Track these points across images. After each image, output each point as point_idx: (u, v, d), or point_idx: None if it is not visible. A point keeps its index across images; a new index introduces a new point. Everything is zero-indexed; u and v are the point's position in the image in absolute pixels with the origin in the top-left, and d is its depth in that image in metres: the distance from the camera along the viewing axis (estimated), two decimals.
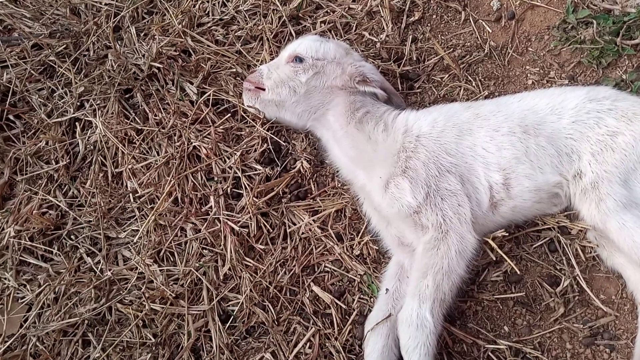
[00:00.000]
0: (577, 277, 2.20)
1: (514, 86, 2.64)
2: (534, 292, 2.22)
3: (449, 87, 2.63)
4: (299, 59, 2.34)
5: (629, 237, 2.02)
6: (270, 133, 2.44)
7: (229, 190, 2.36)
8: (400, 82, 2.65)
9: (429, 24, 2.79)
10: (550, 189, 2.17)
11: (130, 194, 2.38)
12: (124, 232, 2.35)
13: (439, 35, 2.76)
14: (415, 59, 2.70)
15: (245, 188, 2.36)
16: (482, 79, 2.64)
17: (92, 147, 2.49)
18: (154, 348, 2.14)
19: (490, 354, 2.11)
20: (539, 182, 2.15)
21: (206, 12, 2.73)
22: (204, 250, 2.29)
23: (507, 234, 2.18)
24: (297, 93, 2.33)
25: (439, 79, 2.66)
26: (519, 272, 2.15)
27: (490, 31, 2.74)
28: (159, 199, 2.34)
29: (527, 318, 2.19)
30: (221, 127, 2.46)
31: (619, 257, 2.18)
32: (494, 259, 2.16)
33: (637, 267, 2.12)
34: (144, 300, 2.18)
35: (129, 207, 2.39)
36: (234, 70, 2.57)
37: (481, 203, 2.14)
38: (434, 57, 2.70)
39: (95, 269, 2.27)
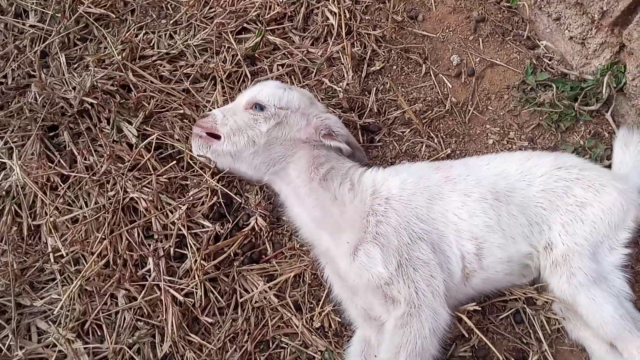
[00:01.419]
0: (546, 353, 2.10)
1: (475, 145, 2.56)
2: None
3: (411, 143, 2.51)
4: (259, 107, 2.11)
5: (597, 312, 1.97)
6: (221, 184, 2.17)
7: (171, 251, 2.04)
8: (361, 133, 2.49)
9: (389, 75, 2.67)
10: (521, 259, 2.08)
11: (51, 253, 1.99)
12: (41, 299, 1.95)
13: (400, 87, 2.65)
14: (376, 110, 2.55)
15: (191, 248, 2.06)
16: (444, 136, 2.54)
17: (4, 193, 2.07)
18: None
19: None
20: (511, 252, 2.05)
21: (150, 44, 2.43)
22: (139, 323, 1.95)
23: (479, 308, 2.04)
24: (256, 144, 2.10)
25: (400, 133, 2.53)
26: (496, 353, 2.01)
27: (451, 86, 2.67)
28: (86, 260, 1.98)
29: None
30: (164, 176, 2.15)
31: (584, 331, 2.12)
32: (465, 334, 2.02)
33: (602, 342, 2.07)
34: None
35: (48, 269, 2.00)
36: (181, 111, 2.29)
37: (453, 274, 1.99)
38: (394, 110, 2.58)
39: (2, 347, 1.85)
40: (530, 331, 2.15)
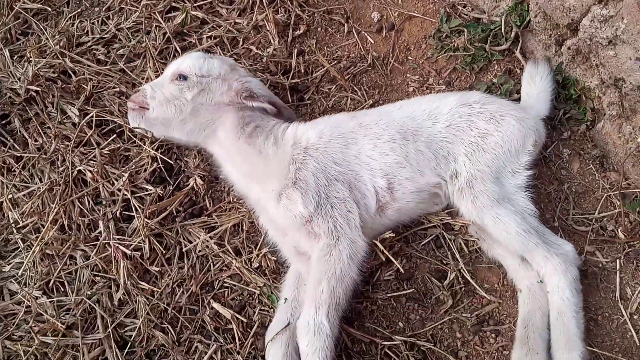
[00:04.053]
0: (462, 270, 2.34)
1: (396, 94, 2.78)
2: (424, 287, 2.34)
3: (337, 98, 2.73)
4: (182, 77, 2.33)
5: (503, 229, 2.19)
6: (160, 152, 2.42)
7: (118, 214, 2.30)
8: (290, 94, 2.72)
9: (314, 37, 2.88)
10: (430, 189, 2.31)
11: (13, 225, 2.26)
12: (8, 265, 2.23)
13: (325, 48, 2.86)
14: (303, 71, 2.77)
15: (136, 209, 2.31)
16: (367, 89, 2.76)
17: None
18: None
19: (387, 350, 2.19)
20: (420, 184, 2.28)
21: (85, 31, 2.66)
22: (97, 277, 2.22)
23: (394, 235, 2.29)
24: (184, 111, 2.33)
25: (327, 90, 2.75)
26: (402, 271, 2.26)
27: (373, 42, 2.88)
28: (44, 228, 2.24)
29: (419, 312, 2.31)
30: (107, 148, 2.39)
31: (497, 248, 2.34)
32: (384, 259, 2.27)
33: (515, 257, 2.29)
34: (33, 335, 2.08)
35: (12, 239, 2.27)
36: (118, 89, 2.52)
37: (369, 207, 2.24)
38: (320, 69, 2.79)
39: None
40: (449, 253, 2.38)
